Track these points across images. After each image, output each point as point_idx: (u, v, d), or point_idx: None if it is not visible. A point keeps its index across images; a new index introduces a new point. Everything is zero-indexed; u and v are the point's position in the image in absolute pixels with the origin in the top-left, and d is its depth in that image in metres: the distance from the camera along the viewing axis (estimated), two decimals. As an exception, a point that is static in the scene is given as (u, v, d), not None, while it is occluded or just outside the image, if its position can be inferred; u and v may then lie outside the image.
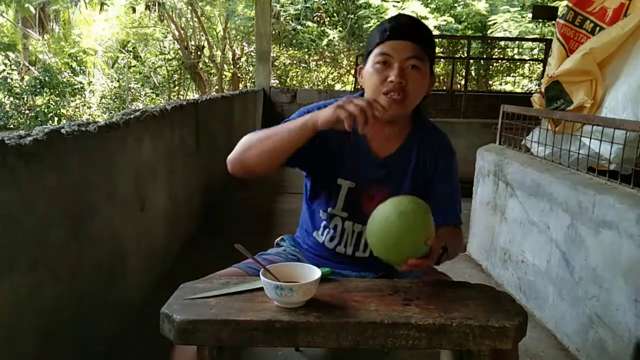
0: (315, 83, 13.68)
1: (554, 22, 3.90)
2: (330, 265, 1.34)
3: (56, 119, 10.51)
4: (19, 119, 10.72)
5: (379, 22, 1.24)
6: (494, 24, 10.94)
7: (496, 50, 12.70)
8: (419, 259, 1.02)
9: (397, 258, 1.03)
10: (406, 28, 1.20)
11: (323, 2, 12.24)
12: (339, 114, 1.02)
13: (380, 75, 1.19)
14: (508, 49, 12.67)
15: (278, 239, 1.50)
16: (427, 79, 1.23)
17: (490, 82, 12.76)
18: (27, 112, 10.82)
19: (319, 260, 1.36)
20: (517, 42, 11.97)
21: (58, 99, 10.88)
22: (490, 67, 12.62)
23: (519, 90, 11.69)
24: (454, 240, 1.26)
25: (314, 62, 13.50)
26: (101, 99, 13.18)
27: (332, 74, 13.95)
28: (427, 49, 1.22)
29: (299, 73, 13.87)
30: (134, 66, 13.72)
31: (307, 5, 11.81)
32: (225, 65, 13.28)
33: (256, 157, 1.14)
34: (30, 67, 12.22)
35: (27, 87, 10.84)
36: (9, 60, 11.44)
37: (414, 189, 1.29)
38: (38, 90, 10.72)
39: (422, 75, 1.20)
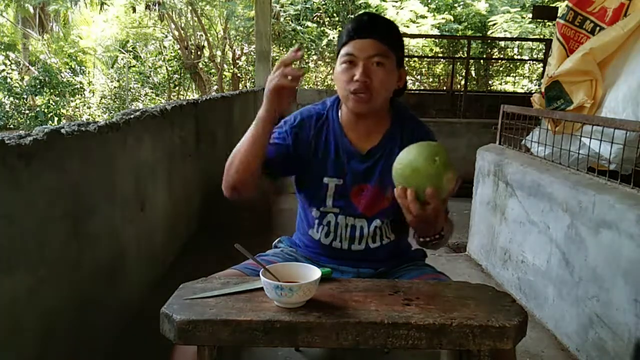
0: (315, 83, 13.68)
1: (554, 22, 3.90)
2: (328, 261, 1.34)
3: (56, 119, 10.51)
4: (19, 119, 10.73)
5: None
6: (494, 24, 10.95)
7: (496, 50, 12.70)
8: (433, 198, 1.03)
9: (418, 182, 1.03)
10: (367, 26, 1.22)
11: (323, 2, 12.24)
12: (277, 86, 1.09)
13: (347, 75, 1.22)
14: (508, 49, 12.66)
15: (275, 240, 1.50)
16: (394, 73, 1.25)
17: (490, 82, 12.75)
18: (27, 112, 10.82)
19: (317, 258, 1.36)
20: (517, 42, 11.98)
21: (58, 99, 10.88)
22: (490, 67, 12.61)
23: (519, 90, 11.69)
24: (447, 225, 1.26)
25: (314, 63, 13.50)
26: (101, 99, 13.17)
27: (331, 74, 13.95)
28: (392, 43, 1.23)
29: (298, 73, 13.83)
30: (133, 66, 13.71)
31: (307, 5, 11.81)
32: (225, 65, 13.28)
33: (236, 173, 1.19)
34: (30, 67, 12.21)
35: (27, 87, 10.84)
36: (9, 60, 11.44)
37: None
38: (38, 90, 10.72)
39: (387, 71, 1.22)
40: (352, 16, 11.73)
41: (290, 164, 1.30)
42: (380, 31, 1.22)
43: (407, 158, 1.05)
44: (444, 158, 1.02)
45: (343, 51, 1.23)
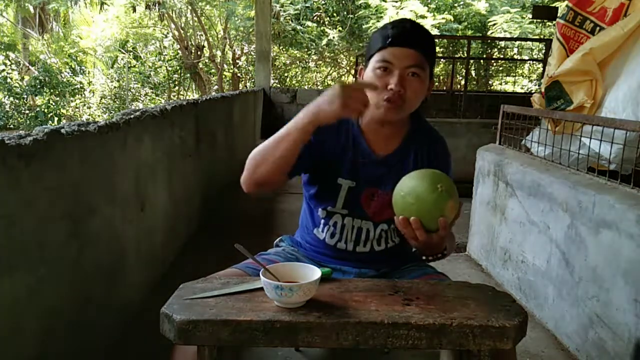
0: (315, 83, 13.69)
1: (554, 22, 3.90)
2: (331, 261, 1.34)
3: (56, 119, 10.53)
4: (19, 119, 10.74)
5: (381, 24, 1.26)
6: (494, 24, 10.95)
7: (496, 50, 12.71)
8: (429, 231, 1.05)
9: (421, 211, 1.03)
10: (408, 36, 1.20)
11: (323, 2, 12.24)
12: (346, 114, 1.07)
13: (380, 82, 1.20)
14: (508, 49, 12.67)
15: (277, 239, 1.50)
16: (426, 85, 1.24)
17: (490, 82, 12.76)
18: (27, 112, 10.83)
19: (320, 258, 1.36)
20: (517, 42, 11.98)
21: (58, 99, 10.90)
22: (490, 67, 12.63)
23: (519, 90, 11.69)
24: (449, 241, 1.27)
25: (314, 62, 13.51)
26: (101, 99, 13.19)
27: (331, 74, 13.96)
28: (429, 55, 1.22)
29: (298, 73, 13.87)
30: (133, 66, 13.72)
31: (307, 5, 11.81)
32: (225, 65, 13.29)
33: (266, 171, 1.16)
34: (30, 67, 12.22)
35: (27, 87, 10.86)
36: (9, 60, 11.45)
37: None
38: (38, 90, 10.74)
39: (421, 82, 1.21)
40: (353, 15, 11.70)
41: (310, 163, 1.28)
42: (420, 42, 1.21)
43: (410, 186, 1.04)
44: (447, 185, 1.02)
45: (378, 56, 1.20)
